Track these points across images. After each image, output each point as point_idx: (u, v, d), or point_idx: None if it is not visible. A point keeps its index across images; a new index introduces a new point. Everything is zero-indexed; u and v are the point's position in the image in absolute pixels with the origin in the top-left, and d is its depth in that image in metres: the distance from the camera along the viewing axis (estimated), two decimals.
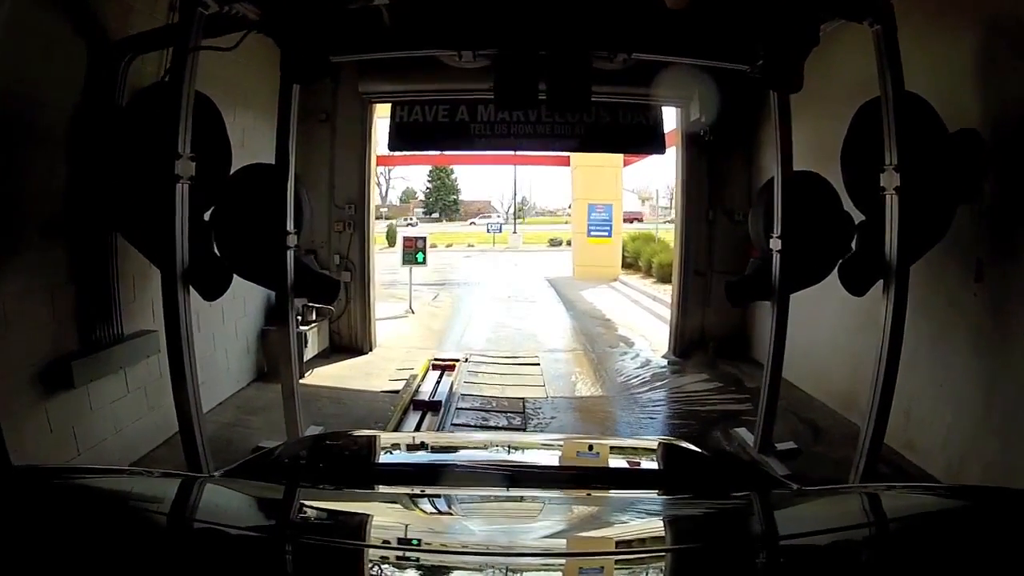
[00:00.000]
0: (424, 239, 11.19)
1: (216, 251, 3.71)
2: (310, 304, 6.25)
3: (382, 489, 1.58)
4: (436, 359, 6.80)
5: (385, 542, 1.28)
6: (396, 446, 2.28)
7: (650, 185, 34.87)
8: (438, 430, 4.87)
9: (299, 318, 6.05)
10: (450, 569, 1.13)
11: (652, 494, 1.66)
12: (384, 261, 11.22)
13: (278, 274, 3.93)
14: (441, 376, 6.24)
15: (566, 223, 26.71)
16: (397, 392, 5.78)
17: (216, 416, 4.80)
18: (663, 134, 7.13)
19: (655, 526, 1.49)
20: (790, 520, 1.46)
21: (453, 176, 43.22)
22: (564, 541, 1.34)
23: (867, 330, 3.98)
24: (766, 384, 4.36)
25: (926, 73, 3.64)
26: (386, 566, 1.14)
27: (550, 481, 1.67)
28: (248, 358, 5.80)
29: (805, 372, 5.46)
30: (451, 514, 1.45)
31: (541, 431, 5.00)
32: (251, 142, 4.90)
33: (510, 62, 4.07)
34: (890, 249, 3.46)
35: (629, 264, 16.20)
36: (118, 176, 3.47)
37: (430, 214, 42.48)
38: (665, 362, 7.13)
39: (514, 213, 40.09)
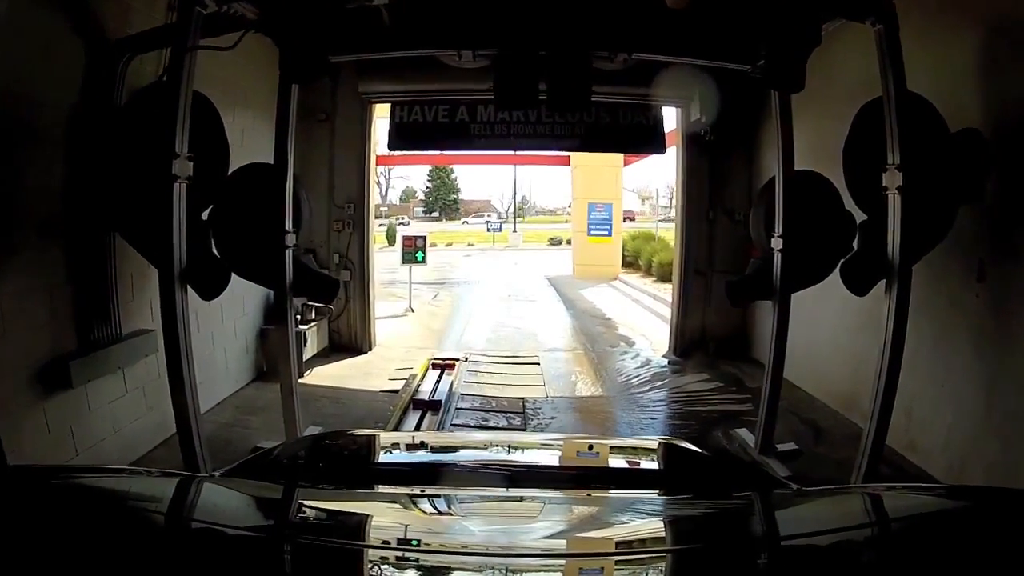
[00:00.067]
0: (424, 238, 11.19)
1: (214, 250, 3.70)
2: (309, 303, 6.24)
3: (381, 489, 1.57)
4: (436, 358, 6.78)
5: (384, 542, 1.27)
6: (396, 446, 2.27)
7: (650, 184, 34.98)
8: (438, 430, 4.85)
9: (298, 317, 6.04)
10: (450, 569, 1.12)
11: (652, 494, 1.65)
12: (384, 260, 11.23)
13: (277, 273, 3.92)
14: (441, 376, 6.23)
15: (566, 222, 26.66)
16: (396, 392, 5.77)
17: (215, 416, 4.79)
18: (663, 134, 7.13)
19: (655, 526, 1.48)
20: (791, 520, 1.45)
21: (453, 176, 43.26)
22: (564, 541, 1.34)
23: (868, 330, 3.97)
24: (767, 384, 4.35)
25: (928, 73, 3.63)
26: (385, 566, 1.13)
27: (550, 481, 1.66)
28: (247, 357, 5.79)
29: (806, 372, 5.45)
30: (451, 514, 1.44)
31: (541, 431, 4.99)
32: (250, 142, 4.89)
33: (510, 62, 4.06)
34: (892, 249, 3.46)
35: (629, 263, 16.19)
36: (116, 176, 3.46)
37: (430, 213, 42.50)
38: (665, 362, 7.12)
39: (514, 212, 40.12)
